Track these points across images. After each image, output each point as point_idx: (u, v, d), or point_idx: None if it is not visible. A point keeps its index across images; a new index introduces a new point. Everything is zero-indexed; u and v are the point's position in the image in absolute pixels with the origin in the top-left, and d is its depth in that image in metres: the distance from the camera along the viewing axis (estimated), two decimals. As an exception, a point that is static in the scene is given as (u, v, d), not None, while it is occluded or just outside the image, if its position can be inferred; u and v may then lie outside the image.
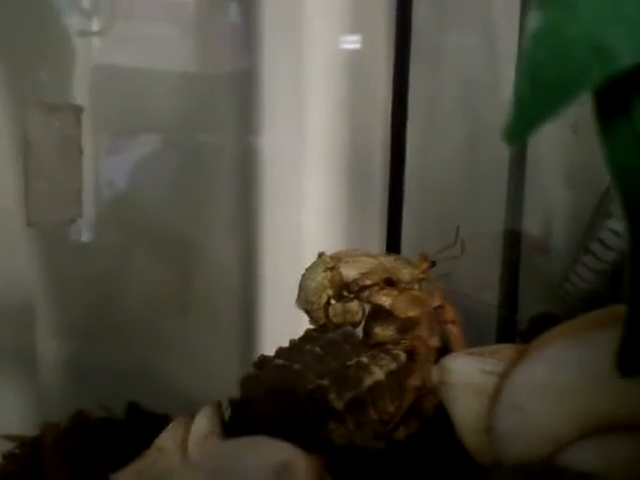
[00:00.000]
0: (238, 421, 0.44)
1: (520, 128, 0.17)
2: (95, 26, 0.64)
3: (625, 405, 0.30)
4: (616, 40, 0.16)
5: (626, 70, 0.16)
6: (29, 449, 0.40)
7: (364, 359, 0.43)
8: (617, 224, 0.57)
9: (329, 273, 0.47)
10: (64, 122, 0.45)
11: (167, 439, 0.37)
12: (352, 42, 0.73)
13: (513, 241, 0.68)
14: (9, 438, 0.42)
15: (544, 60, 0.17)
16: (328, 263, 0.48)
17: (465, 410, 0.38)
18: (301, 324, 0.50)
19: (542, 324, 0.59)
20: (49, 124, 0.44)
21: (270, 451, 0.28)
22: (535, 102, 0.17)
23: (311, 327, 0.49)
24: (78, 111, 0.47)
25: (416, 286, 0.48)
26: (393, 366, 0.43)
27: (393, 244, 0.69)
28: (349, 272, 0.48)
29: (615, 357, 0.22)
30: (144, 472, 0.35)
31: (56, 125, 0.44)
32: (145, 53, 0.67)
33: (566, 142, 0.71)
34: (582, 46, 0.16)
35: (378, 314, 0.48)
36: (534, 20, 0.17)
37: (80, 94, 0.61)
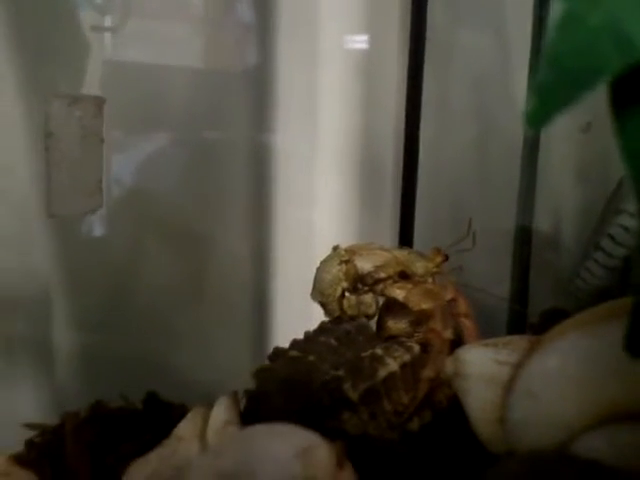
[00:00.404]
0: (253, 412, 0.44)
1: (541, 114, 0.18)
2: (109, 23, 0.65)
3: (637, 394, 0.31)
4: (637, 30, 0.16)
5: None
6: (50, 437, 0.41)
7: (378, 351, 0.43)
8: (627, 220, 0.58)
9: (344, 266, 0.48)
10: (86, 112, 0.45)
11: (186, 428, 0.38)
12: (366, 42, 0.73)
13: (524, 237, 0.68)
14: (30, 427, 0.43)
15: (566, 48, 0.17)
16: (343, 256, 0.48)
17: (479, 400, 0.38)
18: (313, 317, 0.50)
19: (553, 318, 0.59)
20: (71, 115, 0.44)
21: (292, 437, 0.28)
22: (556, 89, 0.17)
23: (325, 319, 0.49)
24: (100, 102, 0.47)
25: (429, 279, 0.48)
26: (407, 358, 0.43)
27: (405, 240, 0.70)
28: (364, 265, 0.48)
29: (624, 339, 0.22)
30: (164, 460, 0.35)
31: (78, 115, 0.44)
32: (159, 50, 0.67)
33: (577, 140, 0.71)
34: (604, 35, 0.17)
35: (392, 307, 0.48)
36: (557, 10, 0.17)
37: (93, 89, 0.61)
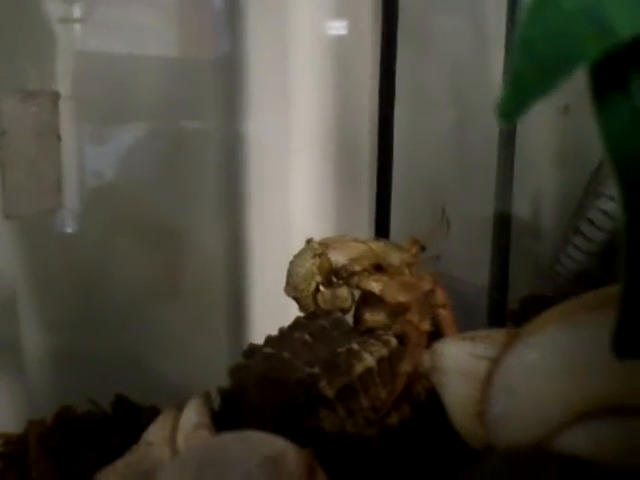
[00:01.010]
0: (228, 411, 0.44)
1: (515, 105, 0.17)
2: (76, 13, 0.63)
3: (618, 388, 0.30)
4: (614, 13, 0.15)
5: (624, 43, 0.16)
6: (14, 447, 0.40)
7: (355, 346, 0.42)
8: (606, 204, 0.57)
9: (317, 259, 0.47)
10: (40, 109, 0.43)
11: (155, 433, 0.37)
12: (338, 27, 0.72)
13: (503, 223, 0.68)
14: (-7, 436, 0.41)
15: (540, 34, 0.16)
16: (316, 249, 0.47)
17: (457, 395, 0.38)
18: (291, 311, 0.49)
19: (532, 305, 0.59)
20: (25, 111, 0.42)
21: (258, 445, 0.27)
22: (531, 77, 0.16)
23: (300, 314, 0.48)
24: (55, 97, 0.45)
25: (406, 271, 0.47)
26: (384, 352, 0.42)
27: (382, 228, 0.69)
28: (338, 258, 0.47)
29: (611, 338, 0.21)
30: (133, 467, 0.34)
31: (32, 112, 0.43)
32: (128, 39, 0.65)
33: (555, 123, 0.70)
34: (579, 19, 0.16)
35: (368, 300, 0.47)
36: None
37: (62, 82, 0.60)
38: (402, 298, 0.44)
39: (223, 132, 0.70)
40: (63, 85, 0.59)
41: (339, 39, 0.72)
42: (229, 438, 0.28)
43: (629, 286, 0.21)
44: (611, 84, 0.18)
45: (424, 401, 0.43)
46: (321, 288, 0.47)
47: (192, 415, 0.37)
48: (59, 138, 0.45)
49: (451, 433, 0.38)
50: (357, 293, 0.48)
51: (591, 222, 0.59)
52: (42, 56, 0.61)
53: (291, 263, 0.48)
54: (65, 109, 0.55)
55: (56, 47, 0.61)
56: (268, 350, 0.44)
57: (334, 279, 0.47)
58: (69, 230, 0.63)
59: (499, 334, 0.37)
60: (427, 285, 0.47)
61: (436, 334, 0.45)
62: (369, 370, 0.41)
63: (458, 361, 0.37)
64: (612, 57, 0.17)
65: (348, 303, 0.47)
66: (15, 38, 0.58)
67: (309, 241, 0.48)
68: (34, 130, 0.43)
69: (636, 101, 0.17)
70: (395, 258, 0.47)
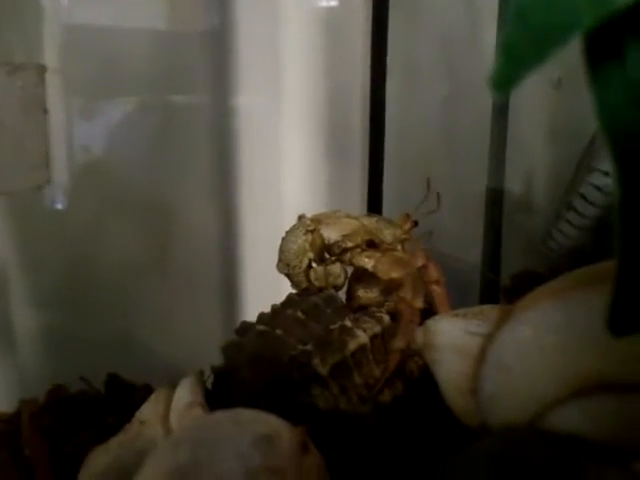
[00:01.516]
0: (221, 389, 0.43)
1: (508, 75, 0.16)
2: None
3: (612, 364, 0.30)
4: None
5: (619, 12, 0.15)
6: (6, 426, 0.40)
7: (348, 323, 0.42)
8: (599, 179, 0.57)
9: (310, 236, 0.46)
10: (27, 82, 0.42)
11: (148, 411, 0.36)
12: (330, -1, 0.71)
13: (495, 199, 0.67)
14: (-15, 416, 0.41)
15: (534, 3, 0.15)
16: (308, 226, 0.47)
17: (450, 371, 0.37)
18: (283, 288, 0.49)
19: (525, 281, 0.58)
20: (11, 85, 0.41)
21: (252, 423, 0.27)
22: (524, 47, 0.16)
23: (293, 291, 0.48)
24: (41, 70, 0.44)
25: (399, 247, 0.47)
26: (377, 329, 0.42)
27: (374, 204, 0.68)
28: (330, 234, 0.47)
29: (605, 314, 0.21)
30: (126, 445, 0.34)
31: (18, 85, 0.42)
32: (116, 11, 0.64)
33: (548, 98, 0.70)
34: (574, -13, 0.15)
35: (361, 276, 0.47)
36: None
37: (49, 55, 0.59)
38: (395, 274, 0.44)
39: (213, 106, 0.70)
40: (50, 58, 0.58)
41: (330, 11, 0.71)
42: (222, 416, 0.28)
43: (623, 261, 0.21)
44: (606, 54, 0.17)
45: (417, 378, 0.43)
46: (313, 265, 0.47)
47: (185, 393, 0.37)
48: (46, 112, 0.44)
49: (444, 410, 0.38)
50: (350, 269, 0.48)
51: (584, 197, 0.58)
52: (28, 29, 0.59)
53: (283, 239, 0.48)
54: (52, 82, 0.54)
55: (42, 19, 0.60)
56: (261, 327, 0.44)
57: (326, 255, 0.47)
58: (58, 206, 0.62)
59: (492, 310, 0.37)
60: (420, 261, 0.47)
61: (429, 311, 0.45)
62: (362, 347, 0.41)
63: (451, 338, 0.37)
64: (607, 26, 0.16)
65: (341, 280, 0.47)
66: (0, 10, 0.57)
67: (301, 217, 0.48)
68: (20, 104, 0.42)
69: (631, 71, 0.17)
70: (388, 234, 0.47)
